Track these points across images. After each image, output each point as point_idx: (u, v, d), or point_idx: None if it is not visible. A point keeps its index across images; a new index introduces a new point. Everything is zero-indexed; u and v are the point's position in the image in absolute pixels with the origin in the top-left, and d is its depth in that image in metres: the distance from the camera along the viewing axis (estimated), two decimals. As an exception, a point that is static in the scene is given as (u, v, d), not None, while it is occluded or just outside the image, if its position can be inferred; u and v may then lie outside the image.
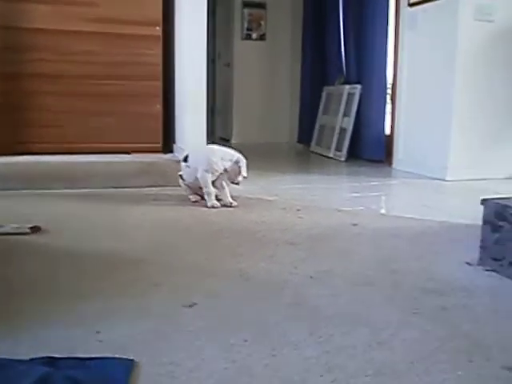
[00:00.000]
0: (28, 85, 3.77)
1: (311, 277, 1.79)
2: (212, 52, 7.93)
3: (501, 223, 1.85)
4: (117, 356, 1.20)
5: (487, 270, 1.88)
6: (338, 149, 5.48)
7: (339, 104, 5.67)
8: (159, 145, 4.03)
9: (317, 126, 6.23)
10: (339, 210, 2.91)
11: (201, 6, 3.57)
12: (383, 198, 3.55)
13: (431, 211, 2.97)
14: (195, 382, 1.11)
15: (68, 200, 3.11)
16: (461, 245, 2.23)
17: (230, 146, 3.13)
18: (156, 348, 1.25)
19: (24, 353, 1.20)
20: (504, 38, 4.11)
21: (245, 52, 7.42)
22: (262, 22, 7.45)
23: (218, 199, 2.98)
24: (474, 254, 1.97)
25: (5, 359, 1.16)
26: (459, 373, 1.16)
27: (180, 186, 3.14)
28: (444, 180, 4.07)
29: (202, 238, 2.31)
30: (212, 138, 6.90)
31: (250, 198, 3.18)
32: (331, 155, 5.57)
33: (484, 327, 1.41)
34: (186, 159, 3.06)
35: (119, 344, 1.26)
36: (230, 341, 1.29)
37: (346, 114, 5.52)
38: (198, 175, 2.94)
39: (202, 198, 3.01)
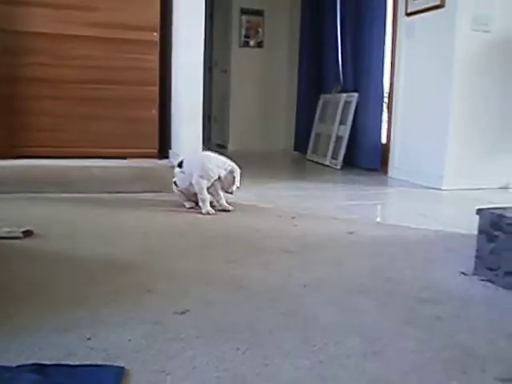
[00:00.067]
0: (26, 89, 3.76)
1: (305, 285, 1.78)
2: (209, 59, 7.94)
3: (496, 233, 1.85)
4: (107, 363, 1.18)
5: (482, 280, 1.87)
6: (334, 157, 5.48)
7: (336, 112, 5.68)
8: (155, 150, 4.02)
9: (313, 134, 6.23)
10: (335, 218, 2.90)
11: (198, 12, 3.57)
12: (379, 206, 3.55)
13: (427, 220, 2.96)
14: (186, 391, 1.10)
15: (62, 204, 3.09)
16: (456, 254, 2.23)
17: (225, 155, 3.12)
18: (147, 355, 1.23)
19: (12, 359, 1.18)
20: (500, 48, 4.12)
21: (242, 59, 7.43)
22: (260, 30, 7.46)
23: (212, 206, 2.97)
24: (470, 264, 1.96)
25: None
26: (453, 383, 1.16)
27: (174, 192, 3.13)
28: (440, 189, 4.07)
29: (196, 245, 2.30)
30: (208, 145, 6.90)
31: (246, 206, 3.17)
32: (327, 163, 5.57)
33: (479, 338, 1.40)
34: (180, 165, 3.05)
35: (110, 351, 1.25)
36: (222, 349, 1.28)
37: (342, 122, 5.53)
38: (193, 181, 2.93)
39: (197, 204, 3.00)
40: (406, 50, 4.63)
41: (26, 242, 2.23)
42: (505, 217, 1.82)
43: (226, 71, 7.65)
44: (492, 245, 1.87)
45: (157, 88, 4.02)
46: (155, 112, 4.01)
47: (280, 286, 1.76)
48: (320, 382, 1.14)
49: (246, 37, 7.43)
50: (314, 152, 6.12)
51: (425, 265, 2.08)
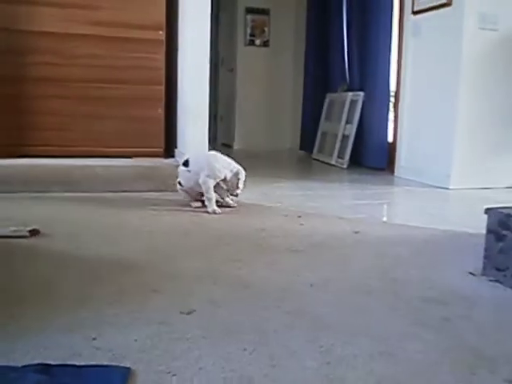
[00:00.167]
0: (31, 88, 3.76)
1: (312, 285, 1.77)
2: (215, 57, 7.93)
3: (504, 232, 1.83)
4: (113, 364, 1.17)
5: (491, 281, 1.85)
6: (340, 156, 5.46)
7: (342, 111, 5.66)
8: (161, 149, 4.01)
9: (319, 133, 6.21)
10: (341, 218, 2.89)
11: (204, 11, 3.57)
12: (385, 205, 3.53)
13: (434, 219, 2.94)
14: (192, 392, 1.09)
15: (67, 203, 3.09)
16: (464, 254, 2.21)
17: (230, 156, 3.11)
18: (153, 356, 1.22)
19: (18, 359, 1.18)
20: (508, 47, 4.09)
21: (248, 58, 7.42)
22: (266, 29, 7.45)
23: (218, 205, 2.96)
24: (478, 264, 1.95)
25: (-4, 366, 1.13)
26: (462, 385, 1.14)
27: (178, 191, 3.13)
28: (447, 188, 4.05)
29: (201, 244, 2.29)
30: (214, 144, 6.89)
31: (252, 205, 3.16)
32: (333, 162, 5.56)
33: (488, 339, 1.38)
34: (185, 164, 3.04)
35: (116, 351, 1.24)
36: (228, 349, 1.27)
37: (348, 121, 5.51)
38: (200, 180, 2.92)
39: (203, 203, 2.99)
40: (413, 49, 4.61)
41: (32, 241, 2.23)
42: (513, 216, 1.81)
43: (231, 70, 7.64)
44: (500, 244, 1.85)
45: (163, 87, 4.01)
46: (161, 111, 4.00)
47: (286, 286, 1.75)
48: (328, 383, 1.13)
49: (251, 36, 7.42)
50: (319, 151, 6.10)
51: (432, 265, 2.07)
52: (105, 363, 1.18)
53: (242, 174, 2.98)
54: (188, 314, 1.48)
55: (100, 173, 3.48)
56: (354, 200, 3.70)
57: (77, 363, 1.17)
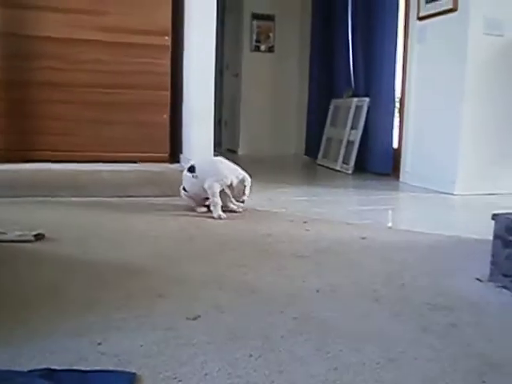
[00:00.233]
0: (37, 93, 3.77)
1: (318, 290, 1.76)
2: (220, 62, 7.94)
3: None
4: (118, 369, 1.17)
5: (498, 287, 1.84)
6: (345, 162, 5.45)
7: (347, 117, 5.65)
8: (166, 155, 4.01)
9: (324, 139, 6.20)
10: (347, 223, 2.88)
11: (210, 16, 3.57)
12: (390, 211, 3.52)
13: (439, 225, 2.93)
14: (199, 398, 1.08)
15: (73, 208, 3.09)
16: (470, 260, 2.20)
17: (236, 162, 3.10)
18: (159, 361, 1.22)
19: (24, 363, 1.17)
20: (514, 53, 4.09)
21: (253, 63, 7.43)
22: (271, 34, 7.46)
23: (223, 210, 2.95)
24: (485, 270, 1.93)
25: (2, 371, 1.13)
26: (471, 393, 1.13)
27: (181, 197, 3.12)
28: (452, 194, 4.03)
29: (207, 249, 2.28)
30: (219, 150, 6.89)
31: (257, 210, 3.15)
32: (338, 168, 5.55)
33: (497, 346, 1.37)
34: (191, 170, 3.03)
35: (121, 356, 1.23)
36: (234, 355, 1.26)
37: (353, 127, 5.50)
38: (206, 185, 2.92)
39: (209, 208, 2.99)
40: (418, 55, 4.60)
41: (38, 245, 2.23)
42: (521, 222, 1.80)
43: (237, 75, 7.65)
44: (507, 250, 1.84)
45: (168, 92, 4.01)
46: (166, 116, 4.01)
47: (293, 291, 1.74)
48: (335, 390, 1.12)
49: (257, 41, 7.43)
50: (324, 157, 6.09)
51: (439, 271, 2.05)
52: (110, 368, 1.17)
53: (248, 181, 2.98)
54: (194, 319, 1.47)
55: (106, 178, 3.48)
56: (359, 206, 3.69)
57: (82, 368, 1.17)
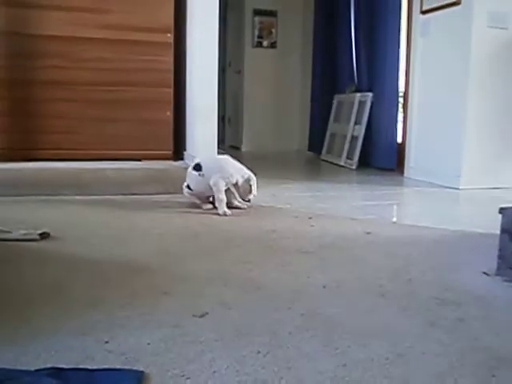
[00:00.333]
0: (40, 91, 3.77)
1: (324, 286, 1.75)
2: (223, 59, 7.92)
3: (519, 232, 1.81)
4: (126, 367, 1.16)
5: (505, 281, 1.83)
6: (349, 157, 5.44)
7: (350, 112, 5.64)
8: (170, 152, 4.01)
9: (327, 134, 6.19)
10: (351, 219, 2.87)
11: (212, 13, 3.56)
12: (395, 206, 3.51)
13: (444, 220, 2.92)
14: (207, 395, 1.08)
15: (78, 206, 3.09)
16: (476, 254, 2.19)
17: (238, 159, 3.10)
18: (166, 359, 1.21)
19: (30, 362, 1.17)
20: (518, 46, 4.07)
21: (256, 60, 7.42)
22: (273, 30, 7.45)
23: (228, 207, 2.95)
24: (491, 264, 1.92)
25: (10, 370, 1.12)
26: (481, 388, 1.12)
27: (184, 194, 3.11)
28: (457, 189, 4.02)
29: (212, 246, 2.28)
30: (222, 146, 6.88)
31: (262, 206, 3.15)
32: (342, 163, 5.54)
33: (505, 340, 1.36)
34: (197, 168, 3.02)
35: (128, 355, 1.23)
36: (242, 352, 1.25)
37: (357, 122, 5.49)
38: (211, 182, 2.92)
39: (214, 205, 2.99)
40: (421, 49, 4.59)
41: (43, 244, 2.22)
42: (528, 216, 1.78)
43: (239, 72, 7.64)
44: (515, 244, 1.83)
45: (171, 90, 4.00)
46: (170, 114, 4.00)
47: (299, 287, 1.74)
48: (343, 386, 1.11)
49: (259, 37, 7.42)
50: (328, 152, 6.08)
51: (445, 265, 2.04)
52: (118, 367, 1.17)
53: (254, 180, 2.98)
54: (201, 316, 1.46)
55: (110, 176, 3.48)
56: (363, 201, 3.68)
57: (89, 367, 1.16)
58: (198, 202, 3.07)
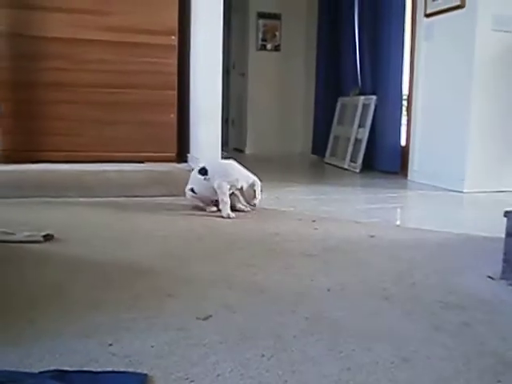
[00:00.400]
0: (43, 93, 3.77)
1: (328, 289, 1.74)
2: (227, 62, 7.93)
3: (524, 236, 1.80)
4: (130, 370, 1.16)
5: (510, 285, 1.82)
6: (353, 160, 5.43)
7: (354, 115, 5.63)
8: (173, 154, 4.01)
9: (331, 137, 6.19)
10: (355, 222, 2.86)
11: (216, 16, 3.57)
12: (399, 209, 3.50)
13: (449, 223, 2.91)
14: (211, 399, 1.07)
15: (81, 208, 3.09)
16: (480, 258, 2.18)
17: (242, 163, 3.10)
18: (170, 362, 1.21)
19: (33, 364, 1.17)
20: (522, 49, 4.06)
21: (259, 62, 7.41)
22: (277, 33, 7.45)
23: (232, 210, 2.95)
24: (496, 268, 1.92)
25: (13, 372, 1.12)
26: (487, 393, 1.12)
27: (187, 197, 3.11)
28: (461, 192, 4.01)
29: (215, 249, 2.27)
30: (226, 149, 6.88)
31: (265, 209, 3.14)
32: (346, 166, 5.53)
33: (511, 344, 1.35)
34: (202, 172, 3.02)
35: (132, 357, 1.22)
36: (246, 355, 1.25)
37: (361, 125, 5.48)
38: (215, 185, 2.92)
39: (218, 208, 2.98)
40: (425, 52, 4.58)
41: (45, 245, 2.22)
42: (533, 220, 1.78)
43: (243, 74, 7.64)
44: (520, 248, 1.82)
45: (175, 92, 4.00)
46: (174, 116, 4.00)
47: (303, 290, 1.73)
48: (348, 390, 1.11)
49: (263, 40, 7.42)
50: (332, 155, 6.08)
51: (449, 269, 2.04)
52: (121, 369, 1.16)
53: (258, 185, 2.98)
54: (204, 319, 1.46)
55: (113, 178, 3.48)
56: (367, 204, 3.68)
57: (93, 369, 1.16)
58: (201, 204, 3.06)
